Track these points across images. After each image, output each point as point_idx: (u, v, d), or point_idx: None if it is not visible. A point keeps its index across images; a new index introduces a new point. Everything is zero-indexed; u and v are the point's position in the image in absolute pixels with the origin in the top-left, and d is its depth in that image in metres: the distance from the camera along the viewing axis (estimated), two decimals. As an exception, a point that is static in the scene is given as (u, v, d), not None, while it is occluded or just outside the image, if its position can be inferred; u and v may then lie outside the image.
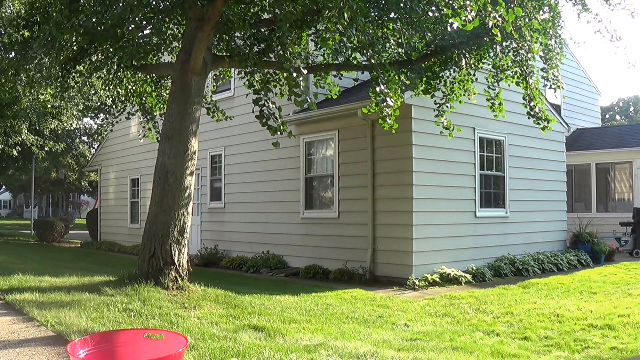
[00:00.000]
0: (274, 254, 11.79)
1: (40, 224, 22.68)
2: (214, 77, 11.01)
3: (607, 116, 50.30)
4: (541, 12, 7.20)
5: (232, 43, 8.01)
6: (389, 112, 6.79)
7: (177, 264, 7.06)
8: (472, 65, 8.05)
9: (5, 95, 12.44)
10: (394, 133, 7.85)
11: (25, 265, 10.27)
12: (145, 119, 9.59)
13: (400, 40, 6.91)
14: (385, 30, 7.01)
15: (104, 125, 23.61)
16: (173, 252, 7.04)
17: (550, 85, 7.72)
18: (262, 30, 7.74)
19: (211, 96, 10.42)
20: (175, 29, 8.60)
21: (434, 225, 9.70)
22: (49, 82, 9.10)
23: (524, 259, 10.73)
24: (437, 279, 9.18)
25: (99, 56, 8.61)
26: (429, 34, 7.28)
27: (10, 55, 10.71)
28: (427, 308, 7.10)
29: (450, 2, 5.93)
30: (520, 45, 7.16)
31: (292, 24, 6.52)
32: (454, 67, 8.16)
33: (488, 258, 10.50)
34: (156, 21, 8.02)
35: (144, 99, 9.43)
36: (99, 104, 19.34)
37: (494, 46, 7.65)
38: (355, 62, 7.90)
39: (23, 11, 9.09)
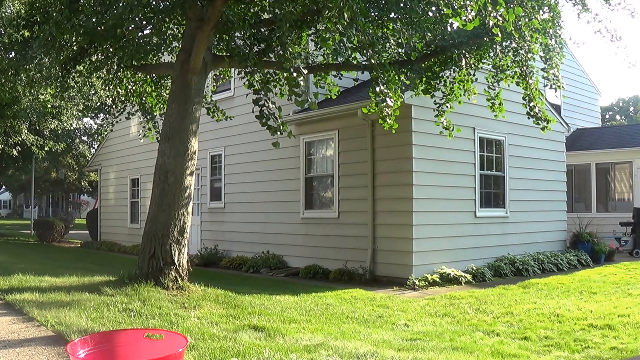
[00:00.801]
0: (274, 254, 11.79)
1: (40, 224, 22.68)
2: (214, 77, 11.01)
3: (607, 116, 50.29)
4: (541, 12, 7.20)
5: (232, 43, 8.01)
6: (389, 112, 6.79)
7: (177, 264, 7.06)
8: (472, 65, 8.05)
9: (5, 95, 12.43)
10: (394, 133, 7.85)
11: (25, 265, 10.27)
12: (145, 119, 9.59)
13: (400, 40, 6.90)
14: (385, 30, 7.00)
15: (104, 125, 23.62)
16: (173, 252, 7.04)
17: (551, 85, 7.72)
18: (262, 30, 7.74)
19: (211, 96, 10.42)
20: (175, 29, 8.60)
21: (434, 225, 9.70)
22: (49, 82, 9.11)
23: (524, 259, 10.73)
24: (437, 279, 9.18)
25: (99, 56, 8.61)
26: (429, 34, 7.28)
27: (10, 55, 10.72)
28: (427, 308, 7.10)
29: (450, 2, 5.94)
30: (520, 45, 7.16)
31: (292, 24, 6.52)
32: (454, 67, 8.16)
33: (488, 258, 10.50)
34: (156, 21, 8.02)
35: (144, 99, 9.43)
36: (99, 104, 19.35)
37: (494, 46, 7.65)
38: (355, 62, 7.90)
39: (23, 11, 9.09)
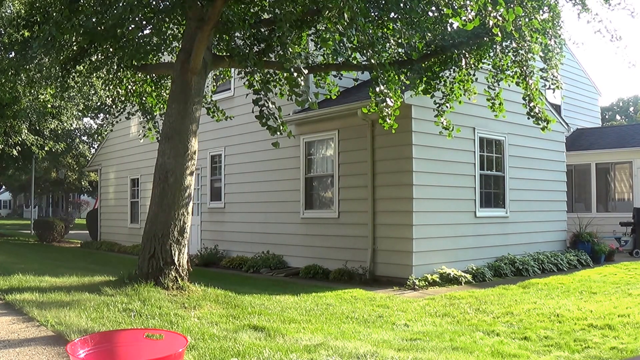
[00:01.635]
0: (274, 254, 11.79)
1: (40, 224, 22.68)
2: (214, 77, 11.01)
3: (607, 116, 50.29)
4: (541, 12, 7.20)
5: (232, 43, 8.01)
6: (389, 112, 6.79)
7: (177, 264, 7.06)
8: (472, 65, 8.05)
9: (5, 95, 12.43)
10: (394, 133, 7.85)
11: (25, 265, 10.27)
12: (145, 119, 9.59)
13: (400, 40, 6.90)
14: (385, 30, 7.00)
15: (104, 125, 23.60)
16: (173, 252, 7.04)
17: (550, 86, 7.72)
18: (262, 30, 7.74)
19: (211, 96, 10.42)
20: (175, 29, 8.60)
21: (434, 225, 9.70)
22: (49, 82, 9.11)
23: (524, 259, 10.73)
24: (437, 279, 9.18)
25: (99, 56, 8.62)
26: (429, 34, 7.28)
27: (10, 55, 10.71)
28: (427, 308, 7.10)
29: (450, 2, 5.94)
30: (520, 45, 7.16)
31: (292, 24, 6.52)
32: (454, 67, 8.15)
33: (488, 258, 10.50)
34: (156, 21, 8.02)
35: (144, 99, 9.43)
36: (99, 104, 19.32)
37: (494, 46, 7.65)
38: (355, 62, 7.89)
39: (23, 11, 9.09)
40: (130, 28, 7.93)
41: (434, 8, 6.70)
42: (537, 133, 9.80)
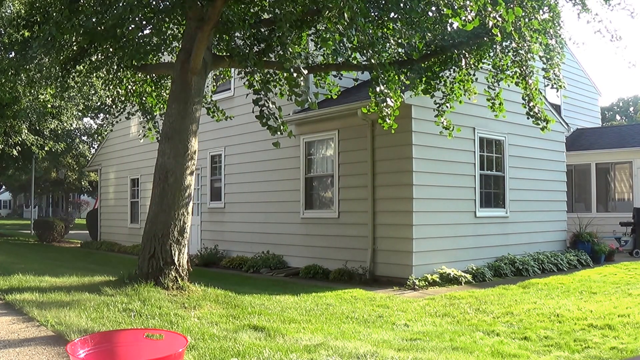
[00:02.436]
0: (274, 254, 11.79)
1: (40, 224, 22.68)
2: (214, 77, 11.01)
3: (607, 116, 50.29)
4: (541, 12, 7.20)
5: (232, 43, 8.01)
6: (389, 112, 6.79)
7: (177, 264, 7.06)
8: (472, 65, 8.05)
9: (5, 95, 12.43)
10: (394, 133, 7.85)
11: (25, 265, 10.27)
12: (145, 119, 9.59)
13: (400, 40, 6.90)
14: (385, 30, 7.00)
15: (104, 125, 23.61)
16: (173, 252, 7.04)
17: (552, 85, 7.71)
18: (262, 30, 7.74)
19: (211, 96, 10.42)
20: (175, 29, 8.60)
21: (434, 225, 9.70)
22: (49, 82, 9.10)
23: (524, 259, 10.73)
24: (437, 279, 9.18)
25: (99, 56, 8.62)
26: (429, 34, 7.28)
27: (10, 55, 10.72)
28: (427, 308, 7.10)
29: (450, 2, 5.93)
30: (520, 45, 7.15)
31: (292, 24, 6.52)
32: (454, 67, 8.15)
33: (488, 258, 10.50)
34: (156, 21, 8.02)
35: (144, 99, 9.43)
36: (99, 104, 19.33)
37: (494, 46, 7.65)
38: (355, 62, 7.89)
39: (23, 11, 9.09)
40: (130, 28, 7.93)
41: (433, 8, 6.70)
42: (537, 133, 9.80)
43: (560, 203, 12.76)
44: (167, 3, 7.98)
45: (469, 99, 8.60)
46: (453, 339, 5.36)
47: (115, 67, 8.69)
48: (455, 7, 5.87)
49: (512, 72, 7.93)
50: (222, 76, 10.90)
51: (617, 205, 16.02)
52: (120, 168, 18.77)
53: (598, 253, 12.33)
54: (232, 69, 10.70)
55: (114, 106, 10.02)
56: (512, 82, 8.10)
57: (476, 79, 8.49)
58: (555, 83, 7.66)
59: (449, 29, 7.73)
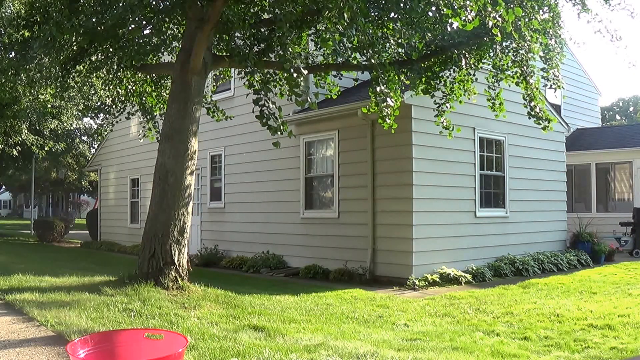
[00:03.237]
0: (274, 254, 11.79)
1: (40, 224, 22.68)
2: (214, 77, 11.01)
3: (607, 116, 50.29)
4: (541, 12, 7.20)
5: (232, 43, 8.01)
6: (389, 112, 6.79)
7: (177, 264, 7.06)
8: (472, 65, 8.05)
9: (5, 95, 12.44)
10: (394, 133, 7.85)
11: (25, 265, 10.28)
12: (145, 119, 9.59)
13: (400, 40, 6.91)
14: (385, 30, 7.00)
15: (104, 125, 23.59)
16: (173, 252, 7.04)
17: (551, 85, 7.72)
18: (262, 30, 7.74)
19: (211, 96, 10.42)
20: (175, 29, 8.60)
21: (434, 225, 9.70)
22: (49, 82, 9.11)
23: (524, 259, 10.72)
24: (437, 279, 9.18)
25: (99, 56, 8.61)
26: (429, 34, 7.28)
27: (10, 55, 10.72)
28: (427, 308, 7.10)
29: (450, 2, 5.94)
30: (520, 45, 7.16)
31: (292, 24, 6.52)
32: (454, 67, 8.15)
33: (488, 258, 10.50)
34: (156, 21, 8.02)
35: (144, 99, 9.43)
36: (99, 104, 19.34)
37: (494, 46, 7.65)
38: (355, 62, 7.89)
39: (23, 11, 9.09)
40: (130, 28, 7.93)
41: (433, 8, 6.70)
42: (537, 133, 9.81)
43: (560, 203, 12.76)
44: (167, 3, 7.98)
45: (469, 99, 8.60)
46: (453, 339, 5.36)
47: (115, 67, 8.68)
48: (455, 7, 5.87)
49: (512, 72, 7.93)
50: (222, 76, 10.90)
51: (617, 205, 16.02)
52: (120, 168, 18.77)
53: (598, 253, 12.33)
54: (232, 69, 10.69)
55: (114, 106, 10.02)
56: (512, 82, 8.10)
57: (476, 79, 8.49)
58: (554, 83, 7.66)
59: (449, 29, 7.72)
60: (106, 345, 2.88)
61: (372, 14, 6.94)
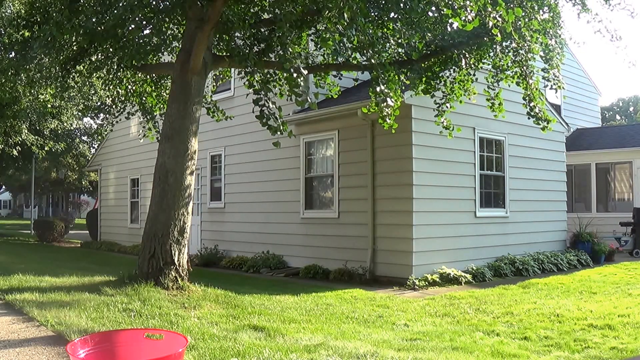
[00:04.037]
0: (274, 254, 11.79)
1: (40, 224, 22.68)
2: (214, 77, 11.01)
3: (607, 116, 50.29)
4: (541, 13, 7.20)
5: (232, 43, 8.01)
6: (389, 112, 6.79)
7: (177, 264, 7.06)
8: (472, 65, 8.05)
9: (5, 95, 12.44)
10: (394, 133, 7.85)
11: (25, 265, 10.28)
12: (145, 119, 9.59)
13: (400, 40, 6.91)
14: (385, 30, 7.01)
15: (104, 125, 23.58)
16: (173, 252, 7.04)
17: (551, 86, 7.71)
18: (262, 30, 7.74)
19: (211, 96, 10.42)
20: (175, 29, 8.60)
21: (434, 225, 9.70)
22: (49, 82, 9.11)
23: (524, 259, 10.73)
24: (437, 279, 9.18)
25: (99, 56, 8.62)
26: (429, 34, 7.28)
27: (10, 55, 10.71)
28: (427, 308, 7.10)
29: (450, 2, 5.93)
30: (520, 45, 7.15)
31: (292, 24, 6.53)
32: (454, 67, 8.15)
33: (488, 258, 10.50)
34: (156, 21, 8.02)
35: (144, 99, 9.43)
36: (99, 104, 19.33)
37: (494, 46, 7.65)
38: (355, 62, 7.90)
39: (23, 11, 9.09)
40: (130, 28, 7.93)
41: (433, 8, 6.70)
42: (537, 133, 9.80)
43: (560, 203, 12.76)
44: (167, 3, 7.98)
45: (469, 99, 8.60)
46: (453, 339, 5.36)
47: (115, 67, 8.69)
48: (455, 7, 5.87)
49: (512, 72, 7.93)
50: (222, 76, 10.91)
51: (617, 205, 16.02)
52: (120, 168, 18.77)
53: (598, 253, 12.33)
54: (232, 69, 10.70)
55: (114, 106, 10.02)
56: (512, 82, 8.10)
57: (476, 79, 8.49)
58: (554, 83, 7.66)
59: (449, 29, 7.72)
60: (106, 345, 2.88)
61: (372, 14, 6.94)
